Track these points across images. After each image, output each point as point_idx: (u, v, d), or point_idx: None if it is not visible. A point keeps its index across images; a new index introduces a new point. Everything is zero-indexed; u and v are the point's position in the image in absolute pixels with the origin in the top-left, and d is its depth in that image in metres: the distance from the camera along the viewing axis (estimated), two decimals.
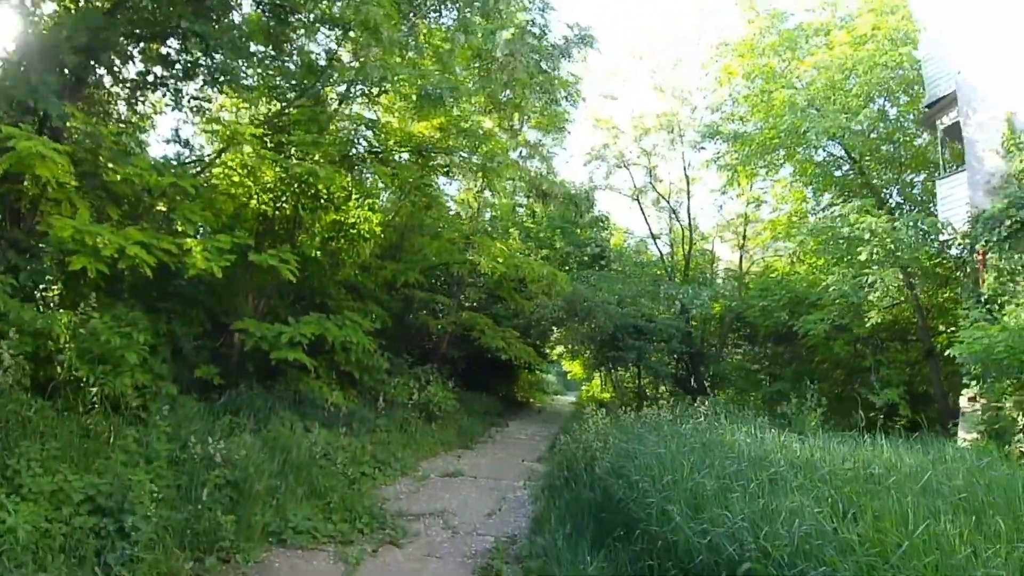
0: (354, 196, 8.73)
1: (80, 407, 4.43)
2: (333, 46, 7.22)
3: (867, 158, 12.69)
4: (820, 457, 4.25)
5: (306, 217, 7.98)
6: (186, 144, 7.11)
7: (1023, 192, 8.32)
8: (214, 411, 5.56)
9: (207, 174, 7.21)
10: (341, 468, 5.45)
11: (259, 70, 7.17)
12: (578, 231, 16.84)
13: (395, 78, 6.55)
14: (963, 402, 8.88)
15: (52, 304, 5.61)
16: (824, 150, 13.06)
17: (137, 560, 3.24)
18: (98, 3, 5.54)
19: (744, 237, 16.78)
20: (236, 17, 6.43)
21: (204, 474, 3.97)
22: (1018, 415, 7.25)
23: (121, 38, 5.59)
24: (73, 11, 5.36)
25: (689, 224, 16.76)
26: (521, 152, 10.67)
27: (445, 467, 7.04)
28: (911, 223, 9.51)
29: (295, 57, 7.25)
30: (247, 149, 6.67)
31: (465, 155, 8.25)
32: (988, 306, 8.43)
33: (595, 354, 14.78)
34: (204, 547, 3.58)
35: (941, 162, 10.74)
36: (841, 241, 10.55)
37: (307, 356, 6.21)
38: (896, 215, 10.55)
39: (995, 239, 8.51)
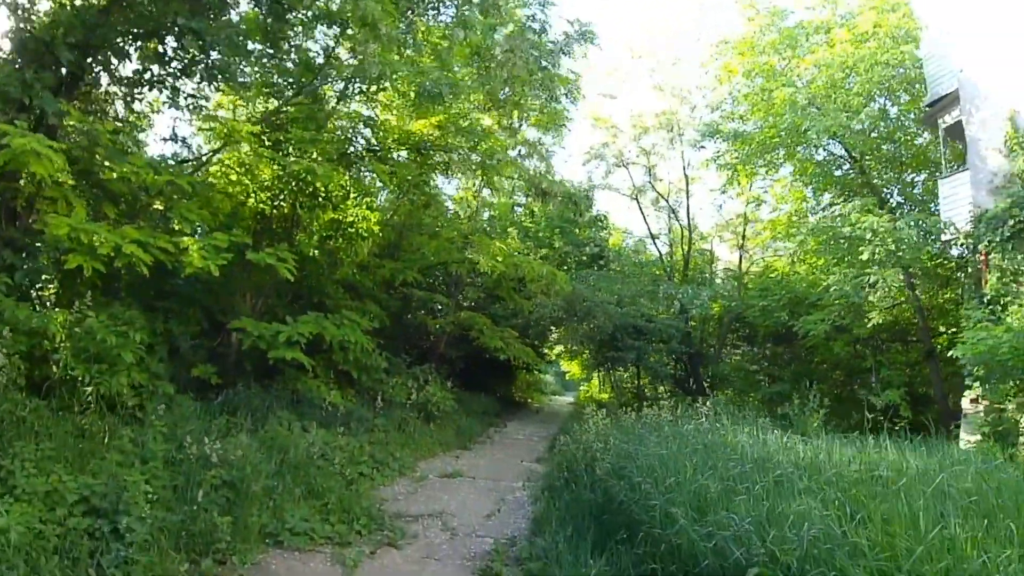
0: (352, 195, 8.68)
1: (75, 407, 4.38)
2: (331, 44, 7.16)
3: (868, 157, 12.65)
4: (825, 459, 4.20)
5: (304, 216, 7.92)
6: (183, 142, 7.06)
7: None
8: (211, 411, 5.51)
9: (204, 172, 7.16)
10: (339, 468, 5.40)
11: (256, 68, 7.11)
12: (577, 231, 16.79)
13: (393, 75, 6.50)
14: (965, 404, 8.83)
15: (48, 303, 5.55)
16: (825, 149, 13.03)
17: (132, 562, 3.19)
18: (94, 0, 5.47)
19: (743, 237, 16.74)
20: (233, 15, 6.38)
21: (200, 474, 3.92)
22: (1021, 417, 7.21)
23: (117, 35, 5.53)
24: (68, 8, 5.29)
25: (688, 224, 16.73)
26: (520, 151, 10.61)
27: (443, 468, 7.00)
28: (912, 223, 9.47)
29: (293, 55, 7.20)
30: (245, 148, 6.62)
31: (464, 153, 8.19)
32: (991, 307, 8.39)
33: (594, 354, 14.74)
34: (200, 549, 3.53)
35: (943, 161, 10.70)
36: (842, 241, 10.51)
37: (305, 355, 6.16)
38: (897, 215, 10.51)
39: (998, 239, 8.46)
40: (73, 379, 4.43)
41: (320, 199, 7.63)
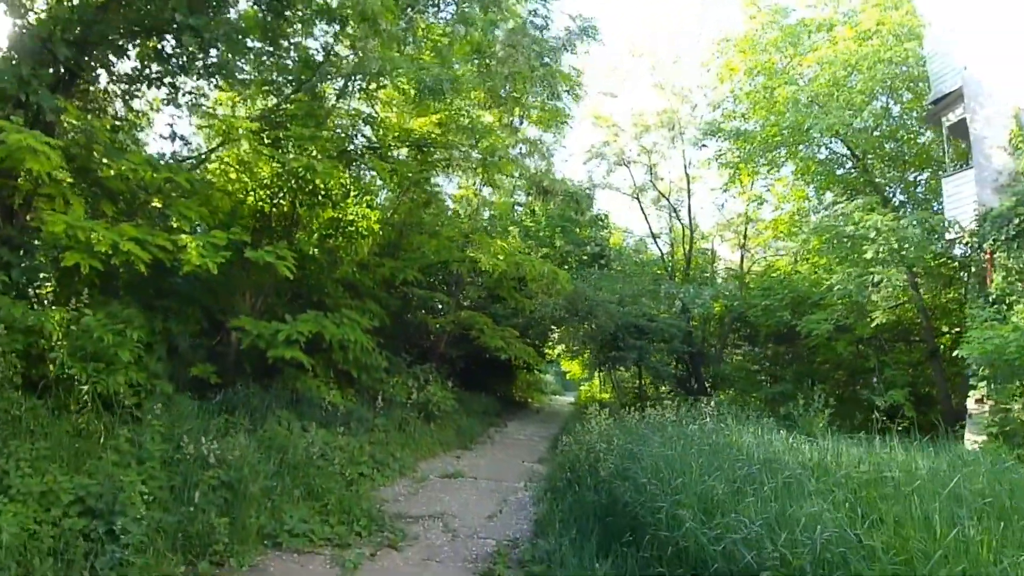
0: (352, 193, 8.62)
1: (72, 406, 4.32)
2: (330, 41, 7.10)
3: (870, 156, 12.59)
4: (833, 460, 4.13)
5: (304, 214, 7.87)
6: (182, 140, 6.99)
7: None
8: (210, 410, 5.45)
9: (203, 170, 7.10)
10: (339, 469, 5.34)
11: (256, 66, 7.04)
12: (577, 230, 16.74)
13: (394, 71, 6.43)
14: (970, 404, 8.77)
15: (46, 301, 5.49)
16: (827, 148, 12.98)
17: (127, 564, 3.13)
18: None
19: (745, 236, 16.68)
20: (232, 14, 6.32)
21: (198, 475, 3.86)
22: None
23: (115, 32, 5.48)
24: (66, 4, 5.24)
25: (690, 223, 16.67)
26: (521, 149, 10.55)
27: (444, 468, 6.94)
28: (916, 221, 9.41)
29: (292, 53, 7.14)
30: (244, 145, 6.56)
31: (465, 150, 8.12)
32: (996, 306, 8.33)
33: (596, 354, 14.67)
34: (197, 550, 3.47)
35: (946, 160, 10.64)
36: (845, 240, 10.44)
37: (304, 355, 6.10)
38: (900, 214, 10.45)
39: (1003, 238, 8.41)
40: (70, 378, 4.37)
41: (320, 197, 7.57)
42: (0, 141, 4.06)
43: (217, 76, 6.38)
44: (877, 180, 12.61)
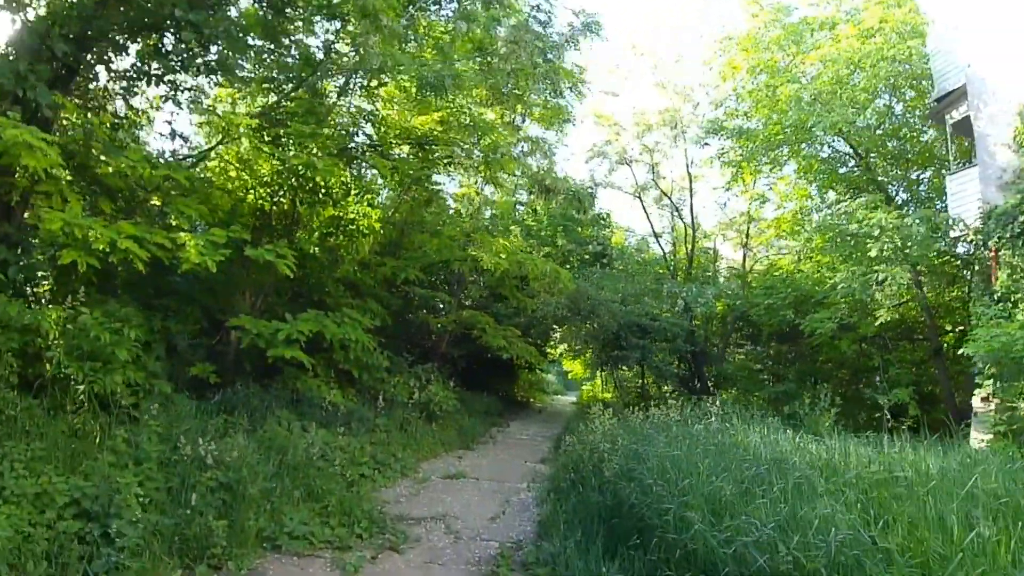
0: (353, 191, 8.55)
1: (68, 406, 4.25)
2: (331, 38, 7.04)
3: (873, 154, 12.53)
4: (842, 460, 4.06)
5: (304, 212, 7.80)
6: (181, 137, 6.93)
7: None
8: (208, 410, 5.38)
9: (203, 168, 7.03)
10: (339, 469, 5.27)
11: (256, 63, 6.99)
12: (579, 229, 16.68)
13: (395, 67, 6.36)
14: (976, 402, 8.70)
15: (44, 300, 5.43)
16: (829, 146, 12.93)
17: (122, 568, 3.07)
18: None
19: (747, 235, 16.62)
20: (233, 11, 6.27)
21: (196, 476, 3.79)
22: None
23: (114, 28, 5.42)
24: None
25: (692, 222, 16.60)
26: (523, 148, 10.48)
27: (446, 468, 6.87)
28: (919, 219, 9.34)
29: (293, 50, 7.08)
30: (244, 143, 6.49)
31: (467, 147, 8.04)
32: (1001, 304, 8.27)
33: (598, 353, 14.60)
34: (194, 554, 3.39)
35: (951, 157, 10.58)
36: (848, 238, 10.38)
37: (305, 354, 6.04)
38: (903, 212, 10.38)
39: (1008, 235, 8.35)
40: (66, 377, 4.30)
41: (320, 195, 7.52)
42: None
43: (217, 73, 6.32)
44: (880, 178, 12.56)
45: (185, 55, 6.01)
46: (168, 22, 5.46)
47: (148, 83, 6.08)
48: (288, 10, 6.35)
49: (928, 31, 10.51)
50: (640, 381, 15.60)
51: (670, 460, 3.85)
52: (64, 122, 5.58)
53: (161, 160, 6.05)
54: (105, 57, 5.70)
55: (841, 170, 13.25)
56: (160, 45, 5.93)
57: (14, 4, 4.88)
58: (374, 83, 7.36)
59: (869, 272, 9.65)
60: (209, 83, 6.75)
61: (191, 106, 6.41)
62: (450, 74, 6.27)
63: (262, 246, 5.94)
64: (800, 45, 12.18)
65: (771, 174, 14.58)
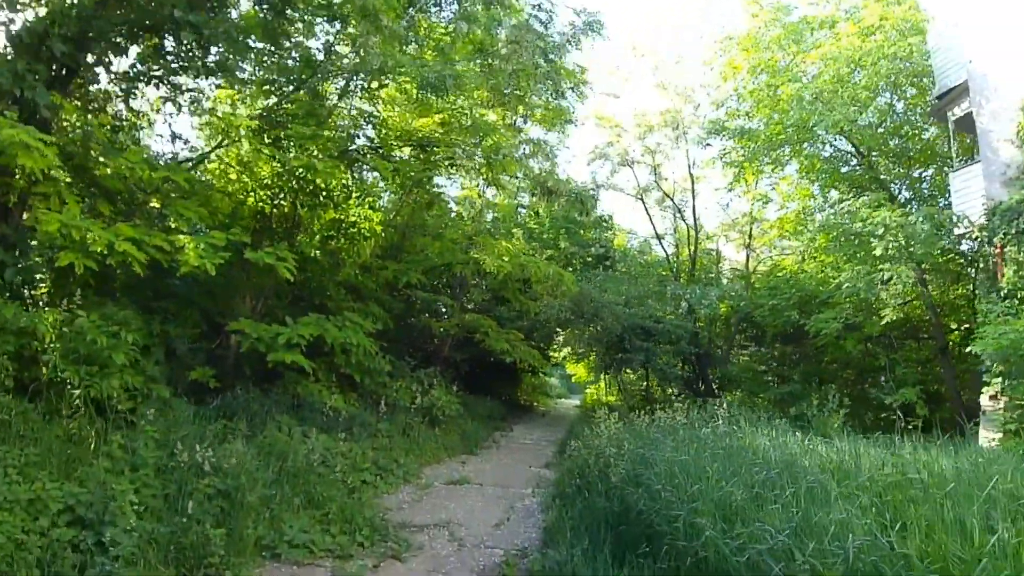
0: (354, 194, 8.51)
1: (64, 410, 4.19)
2: (331, 39, 7.02)
3: (875, 153, 12.47)
4: (853, 462, 3.96)
5: (305, 215, 7.76)
6: (180, 139, 6.89)
7: None
8: (207, 415, 5.30)
9: (203, 170, 7.00)
10: (340, 476, 5.18)
11: (256, 65, 6.97)
12: (582, 231, 16.63)
13: (395, 68, 6.33)
14: (984, 400, 8.59)
15: (41, 302, 5.38)
16: (831, 145, 12.87)
17: None
18: None
19: (750, 236, 16.54)
20: (233, 13, 6.25)
21: (193, 483, 3.70)
22: None
23: (113, 29, 5.40)
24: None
25: (695, 223, 16.53)
26: (524, 150, 10.44)
27: (449, 474, 6.78)
28: (923, 217, 9.27)
29: (293, 52, 7.06)
30: (244, 145, 6.46)
31: (468, 148, 7.99)
32: (1007, 301, 8.18)
33: (602, 356, 14.50)
34: (191, 563, 3.31)
35: (953, 154, 10.52)
36: (852, 237, 10.30)
37: (305, 358, 5.97)
38: (906, 210, 10.31)
39: (1014, 231, 8.28)
40: (63, 381, 4.24)
41: (321, 198, 7.47)
42: None
43: (217, 75, 6.30)
44: (882, 177, 12.49)
45: (185, 57, 5.99)
46: (168, 23, 5.44)
47: (147, 84, 6.06)
48: (288, 11, 6.33)
49: (928, 28, 10.48)
50: (644, 384, 15.48)
51: (678, 465, 3.75)
52: (64, 123, 5.56)
53: (160, 162, 6.01)
54: (105, 58, 5.68)
55: (843, 169, 13.19)
56: (160, 47, 5.91)
57: (13, 4, 4.87)
58: (375, 85, 7.33)
59: (874, 271, 9.56)
60: (210, 86, 6.73)
61: (191, 107, 6.38)
62: (451, 74, 6.24)
63: (262, 249, 5.89)
64: (800, 44, 12.16)
65: (773, 174, 14.52)
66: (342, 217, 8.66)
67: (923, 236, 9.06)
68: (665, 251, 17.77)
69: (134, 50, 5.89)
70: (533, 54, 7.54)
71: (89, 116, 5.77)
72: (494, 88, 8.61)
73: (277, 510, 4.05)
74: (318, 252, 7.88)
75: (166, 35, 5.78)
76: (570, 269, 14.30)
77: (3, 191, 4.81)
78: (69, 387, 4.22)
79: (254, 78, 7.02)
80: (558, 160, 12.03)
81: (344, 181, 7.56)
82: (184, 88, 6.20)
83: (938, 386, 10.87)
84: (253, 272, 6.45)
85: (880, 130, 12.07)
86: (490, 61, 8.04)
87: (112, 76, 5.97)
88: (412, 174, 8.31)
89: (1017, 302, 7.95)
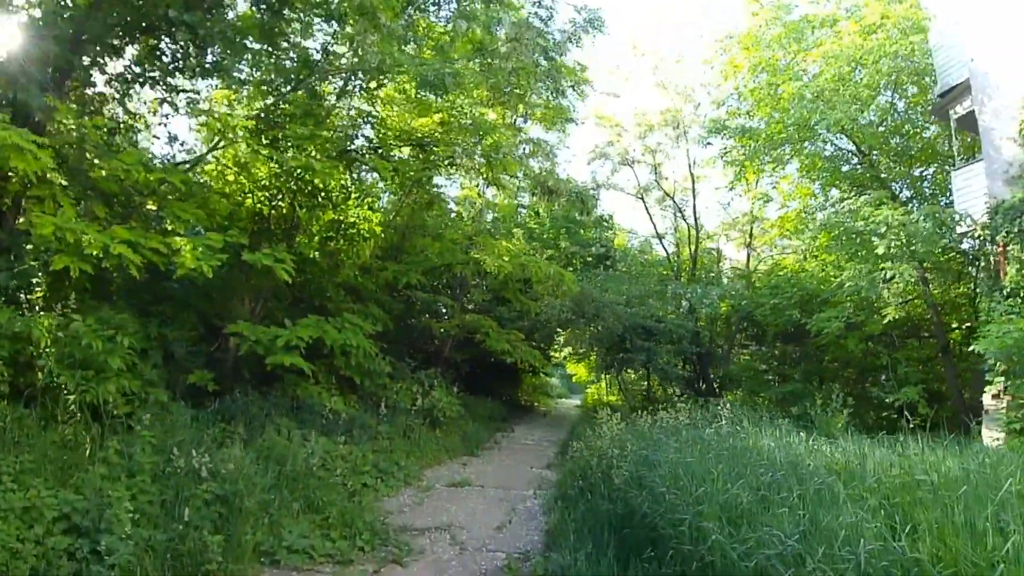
0: (353, 195, 8.46)
1: (60, 416, 4.13)
2: (329, 39, 6.97)
3: (876, 151, 12.43)
4: (859, 463, 3.91)
5: (304, 216, 7.70)
6: (176, 140, 6.84)
7: None
8: (206, 419, 5.25)
9: (200, 171, 6.94)
10: (340, 479, 5.12)
11: (253, 66, 6.91)
12: (582, 231, 16.57)
13: (394, 67, 6.28)
14: (986, 399, 8.55)
15: (37, 307, 5.33)
16: (832, 144, 12.83)
17: None
18: None
19: (751, 235, 16.49)
20: (230, 14, 6.20)
21: (190, 489, 3.65)
22: None
23: (108, 29, 5.35)
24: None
25: (695, 222, 16.49)
26: (525, 149, 10.39)
27: (451, 476, 6.72)
28: (925, 215, 9.22)
29: (291, 53, 7.01)
30: (242, 146, 6.41)
31: (468, 147, 7.93)
32: (1010, 300, 8.14)
33: (603, 356, 14.44)
34: (188, 570, 3.25)
35: (955, 153, 10.48)
36: (854, 236, 10.25)
37: (305, 361, 5.91)
38: (908, 209, 10.27)
39: (1016, 230, 8.24)
40: (58, 386, 4.18)
41: (320, 199, 7.42)
42: None
43: (214, 76, 6.25)
44: (883, 176, 12.45)
45: (181, 57, 5.94)
46: (163, 24, 5.39)
47: (143, 85, 6.01)
48: (285, 12, 6.28)
49: (930, 26, 10.44)
50: (645, 384, 15.43)
51: (682, 467, 3.70)
52: (59, 126, 5.51)
53: (158, 164, 5.96)
54: (100, 60, 5.63)
55: (844, 168, 13.15)
56: (156, 48, 5.86)
57: (7, 4, 4.82)
58: (373, 84, 7.28)
59: (875, 270, 9.52)
60: (207, 87, 6.69)
61: (188, 108, 6.32)
62: (450, 73, 6.18)
63: (260, 251, 5.84)
64: (801, 43, 12.13)
65: (774, 173, 14.48)
66: (341, 218, 8.61)
67: (925, 234, 9.02)
68: (666, 250, 17.73)
69: (130, 52, 5.84)
70: (533, 52, 7.47)
71: (85, 118, 5.72)
72: (494, 87, 8.55)
73: (276, 515, 3.99)
74: (317, 253, 7.83)
75: (162, 36, 5.73)
76: (571, 269, 14.26)
77: None
78: (65, 392, 4.16)
79: (251, 79, 6.97)
80: (558, 159, 12.01)
81: (343, 182, 7.51)
82: (180, 89, 6.15)
83: (939, 385, 10.84)
84: (251, 274, 6.40)
85: (881, 129, 12.03)
86: (490, 60, 7.98)
87: (108, 77, 5.93)
88: (411, 174, 8.26)
89: (1020, 301, 7.91)
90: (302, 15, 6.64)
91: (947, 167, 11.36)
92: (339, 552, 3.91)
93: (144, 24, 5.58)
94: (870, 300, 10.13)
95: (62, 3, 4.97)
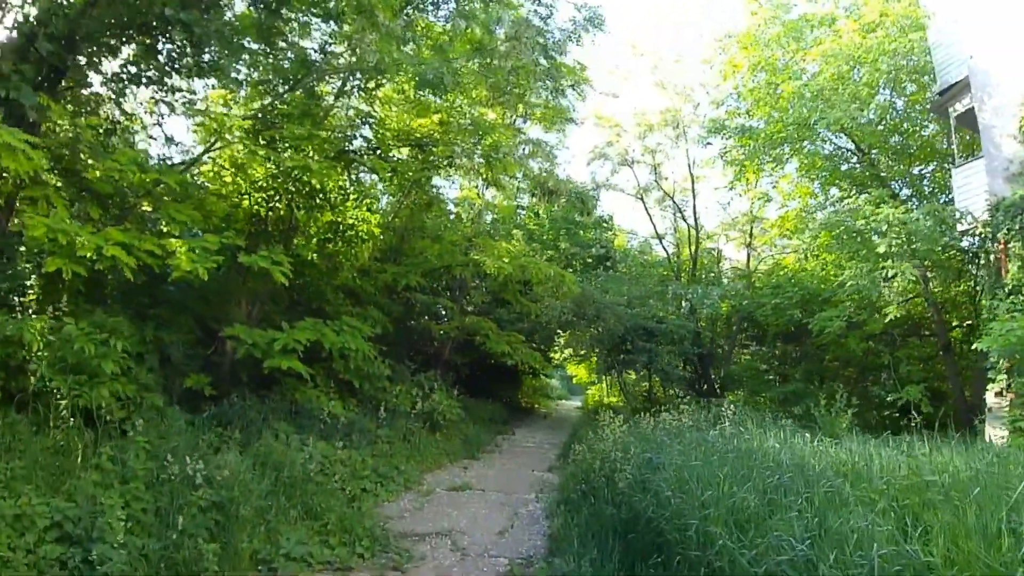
0: (352, 196, 8.40)
1: (52, 421, 4.05)
2: (327, 39, 6.91)
3: (875, 150, 12.42)
4: (866, 464, 3.85)
5: (302, 218, 7.64)
6: (171, 141, 6.76)
7: None
8: (202, 424, 5.17)
9: (196, 172, 6.88)
10: (339, 484, 5.05)
11: (251, 65, 6.85)
12: (582, 232, 16.52)
13: (392, 66, 6.22)
14: (989, 398, 8.51)
15: (30, 310, 5.25)
16: (831, 143, 12.82)
17: None
18: None
19: (751, 235, 16.46)
20: (228, 15, 6.15)
21: (185, 496, 3.57)
22: None
23: (103, 28, 5.28)
24: None
25: (695, 223, 16.45)
26: (524, 150, 10.35)
27: (451, 480, 6.65)
28: (925, 213, 9.19)
29: (289, 53, 6.95)
30: (238, 146, 6.34)
31: (467, 148, 7.88)
32: (1012, 297, 8.11)
33: (604, 357, 14.38)
34: None
35: (955, 150, 10.46)
36: (855, 235, 10.22)
37: (303, 364, 5.84)
38: (908, 207, 10.25)
39: (1018, 227, 8.21)
40: (50, 391, 4.10)
41: (318, 200, 7.35)
42: None
43: (211, 76, 6.19)
44: (883, 174, 12.43)
45: (178, 56, 5.87)
46: (159, 22, 5.32)
47: (139, 85, 5.93)
48: (283, 11, 6.22)
49: (929, 24, 10.43)
50: (647, 384, 15.36)
51: (687, 469, 3.63)
52: (55, 126, 5.44)
53: (154, 165, 5.89)
54: (95, 59, 5.56)
55: (843, 167, 13.14)
56: (153, 47, 5.79)
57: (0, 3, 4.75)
58: (372, 84, 7.23)
59: (876, 268, 9.49)
60: (204, 87, 6.62)
61: (185, 108, 6.26)
62: (449, 71, 6.12)
63: (257, 253, 5.77)
64: (800, 42, 12.12)
65: (774, 173, 14.46)
66: (339, 219, 8.55)
67: (926, 233, 8.99)
68: (666, 251, 17.68)
69: (126, 51, 5.77)
70: (533, 50, 7.42)
71: (80, 118, 5.65)
72: (493, 86, 8.49)
73: (273, 522, 3.91)
74: (315, 255, 7.76)
75: (159, 35, 5.67)
76: (571, 270, 14.20)
77: None
78: (57, 397, 4.08)
79: (248, 79, 6.91)
80: (558, 160, 11.96)
81: (341, 183, 7.45)
82: (176, 89, 6.08)
83: (940, 383, 10.81)
84: (249, 277, 6.33)
85: (880, 127, 12.02)
86: (489, 59, 7.94)
87: (104, 78, 5.86)
88: (410, 175, 8.20)
89: (1022, 298, 7.88)
90: (300, 14, 6.59)
91: (946, 165, 11.35)
92: (338, 559, 3.83)
93: (140, 23, 5.51)
94: (871, 299, 10.10)
95: (57, 1, 4.91)
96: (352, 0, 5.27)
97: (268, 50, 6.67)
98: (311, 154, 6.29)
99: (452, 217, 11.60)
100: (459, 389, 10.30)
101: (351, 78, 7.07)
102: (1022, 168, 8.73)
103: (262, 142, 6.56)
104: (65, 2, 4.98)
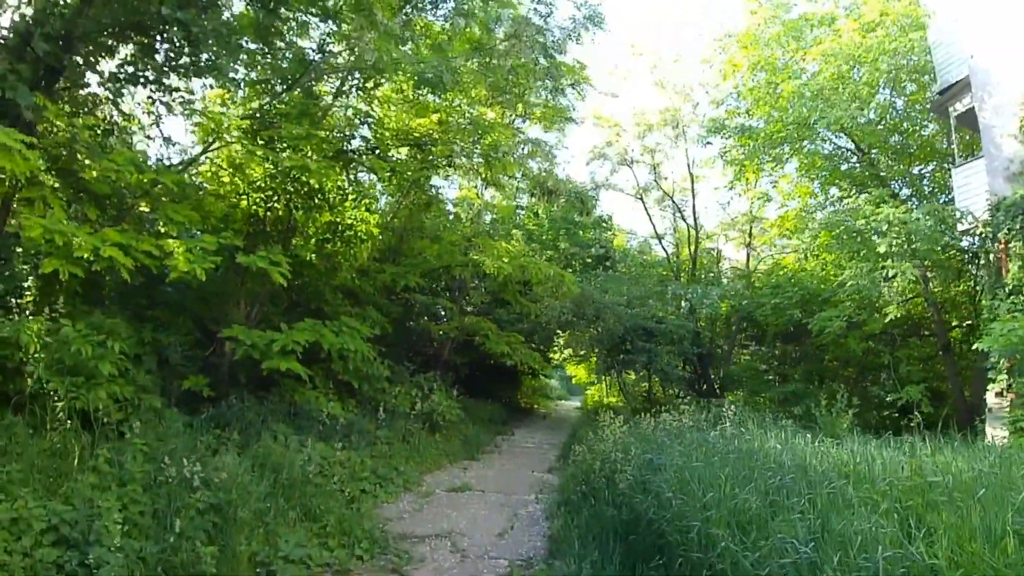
0: (350, 196, 8.37)
1: (49, 423, 4.03)
2: (325, 39, 6.89)
3: (875, 150, 12.42)
4: (868, 465, 3.83)
5: (300, 218, 7.61)
6: (169, 141, 6.74)
7: None
8: (200, 426, 5.14)
9: (194, 172, 6.84)
10: (338, 486, 5.02)
11: (248, 66, 6.83)
12: (581, 232, 16.50)
13: (391, 65, 6.19)
14: (990, 398, 8.51)
15: (27, 311, 5.22)
16: (831, 142, 12.81)
17: None
18: None
19: (750, 235, 16.45)
20: (226, 15, 6.12)
21: (183, 498, 3.54)
22: None
23: (99, 28, 5.25)
24: None
25: (695, 222, 16.44)
26: (523, 150, 10.32)
27: (451, 481, 6.63)
28: (925, 213, 9.18)
29: (287, 52, 6.92)
30: (235, 145, 6.31)
31: (466, 147, 7.85)
32: (1013, 297, 8.10)
33: (604, 358, 14.36)
34: None
35: (955, 150, 10.45)
36: (855, 234, 10.21)
37: (301, 365, 5.81)
38: (908, 207, 10.24)
39: (1018, 227, 8.20)
40: (47, 393, 4.08)
41: (316, 200, 7.32)
42: None
43: (208, 75, 6.15)
44: (882, 174, 12.42)
45: (175, 57, 5.84)
46: (156, 22, 5.29)
47: (136, 85, 5.90)
48: (282, 10, 6.19)
49: (929, 23, 10.42)
50: (646, 385, 15.35)
51: (688, 470, 3.61)
52: (52, 127, 5.41)
53: (152, 165, 5.87)
54: (92, 59, 5.53)
55: (843, 166, 13.13)
56: (150, 47, 5.76)
57: None
58: (370, 83, 7.20)
59: (876, 268, 9.48)
60: (202, 87, 6.59)
61: (183, 107, 6.23)
62: (448, 70, 6.10)
63: (256, 253, 5.74)
64: (800, 41, 12.11)
65: (773, 172, 14.44)
66: (338, 220, 8.52)
67: (926, 232, 8.98)
68: (665, 251, 17.66)
69: (123, 51, 5.74)
70: (532, 49, 7.39)
71: (77, 119, 5.62)
72: (492, 86, 8.47)
73: (272, 524, 3.89)
74: (314, 256, 7.73)
75: (156, 35, 5.64)
76: (570, 270, 14.18)
77: None
78: (54, 399, 4.06)
79: (246, 78, 6.88)
80: (557, 160, 11.93)
81: (340, 183, 7.42)
82: (174, 88, 6.05)
83: (940, 383, 10.80)
84: (247, 277, 6.30)
85: (880, 127, 12.01)
86: (488, 58, 7.91)
87: (100, 77, 5.83)
88: (409, 175, 8.17)
89: (1023, 298, 7.87)
90: (298, 13, 6.56)
91: (946, 165, 11.34)
92: (337, 561, 3.81)
93: (137, 22, 5.48)
94: (871, 299, 10.09)
95: (53, 0, 4.88)
96: None
97: (266, 49, 6.64)
98: (309, 154, 6.27)
99: (451, 217, 11.58)
100: (458, 390, 10.28)
101: (349, 77, 7.05)
102: (1022, 168, 8.73)
103: (260, 142, 6.54)
104: (61, 1, 4.95)
